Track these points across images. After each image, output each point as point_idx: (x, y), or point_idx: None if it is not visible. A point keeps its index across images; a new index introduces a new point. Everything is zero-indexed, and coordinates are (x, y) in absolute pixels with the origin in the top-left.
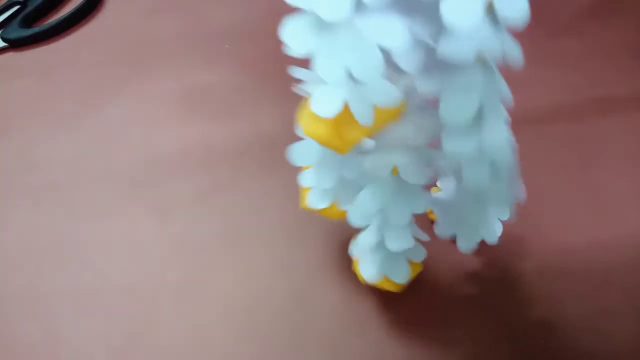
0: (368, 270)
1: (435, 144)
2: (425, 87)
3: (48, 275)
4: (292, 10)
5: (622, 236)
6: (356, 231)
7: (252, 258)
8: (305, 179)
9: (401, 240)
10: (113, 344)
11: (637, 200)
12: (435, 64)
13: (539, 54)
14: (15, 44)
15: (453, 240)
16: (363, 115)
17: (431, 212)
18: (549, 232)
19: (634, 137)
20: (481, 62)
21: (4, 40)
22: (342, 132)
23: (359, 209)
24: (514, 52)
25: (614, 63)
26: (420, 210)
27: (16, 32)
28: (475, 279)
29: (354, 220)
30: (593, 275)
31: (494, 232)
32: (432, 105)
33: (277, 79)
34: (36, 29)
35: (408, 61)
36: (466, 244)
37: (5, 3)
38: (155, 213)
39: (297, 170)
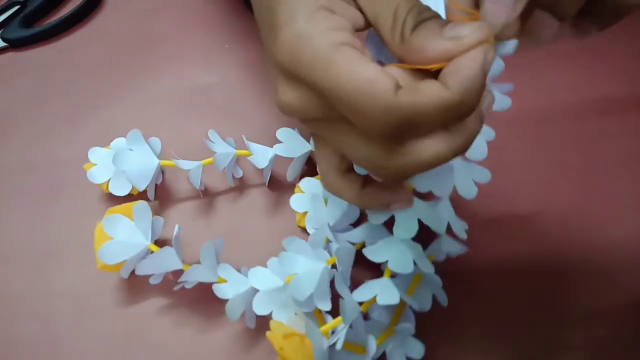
0: None
1: None
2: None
3: (48, 275)
4: None
5: (620, 236)
6: None
7: None
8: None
9: None
10: (112, 344)
11: (637, 200)
12: None
13: (540, 54)
14: (15, 44)
15: None
16: None
17: None
18: (548, 232)
19: (633, 138)
20: None
21: (4, 40)
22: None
23: None
24: None
25: (613, 64)
26: None
27: (16, 32)
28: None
29: None
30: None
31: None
32: None
33: None
34: (36, 29)
35: None
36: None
37: (5, 3)
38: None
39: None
